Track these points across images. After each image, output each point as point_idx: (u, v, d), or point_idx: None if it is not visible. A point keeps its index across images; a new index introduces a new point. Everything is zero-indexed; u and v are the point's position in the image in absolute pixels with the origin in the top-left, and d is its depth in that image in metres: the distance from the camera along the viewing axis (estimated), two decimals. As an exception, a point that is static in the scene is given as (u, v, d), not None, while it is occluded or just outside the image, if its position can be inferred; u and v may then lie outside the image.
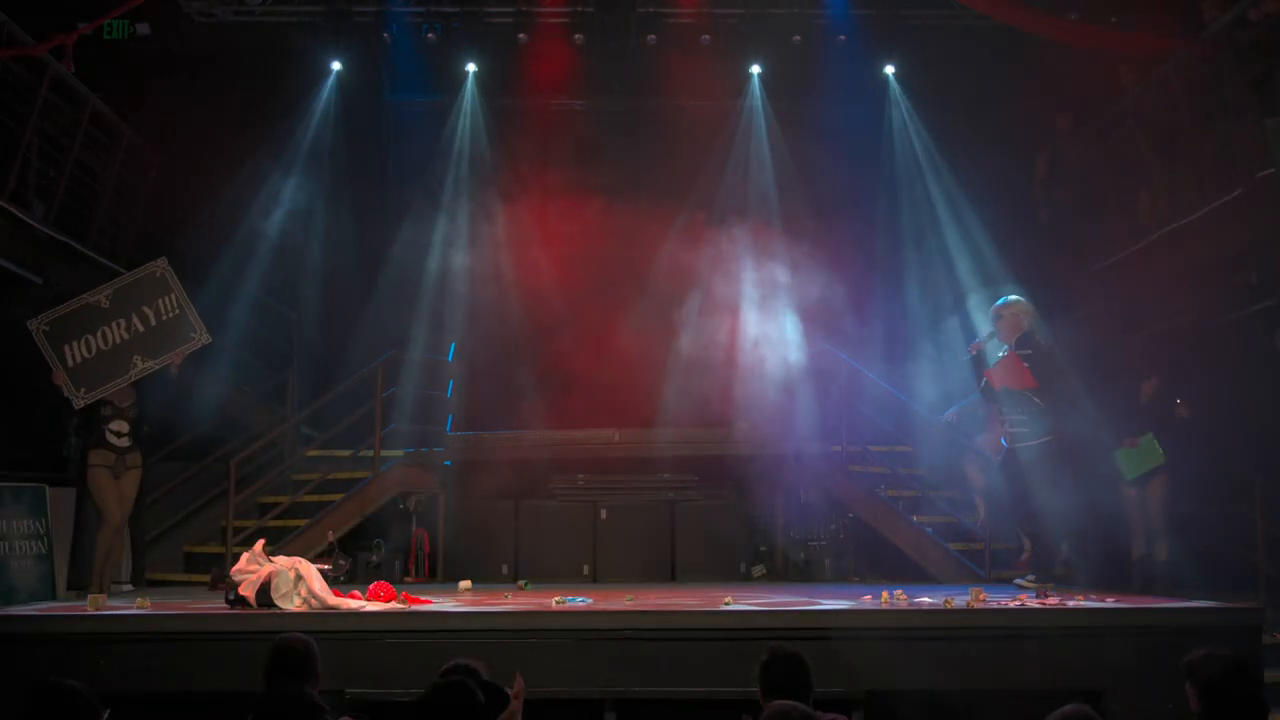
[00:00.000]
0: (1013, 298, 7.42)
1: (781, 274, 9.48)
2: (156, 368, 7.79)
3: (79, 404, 7.60)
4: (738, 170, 11.23)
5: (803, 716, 3.51)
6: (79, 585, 7.63)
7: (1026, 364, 7.12)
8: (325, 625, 5.32)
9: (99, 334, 7.71)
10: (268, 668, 3.96)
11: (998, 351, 7.33)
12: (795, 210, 10.68)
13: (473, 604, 6.38)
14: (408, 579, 8.59)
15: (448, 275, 10.88)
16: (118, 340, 7.74)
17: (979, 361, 7.41)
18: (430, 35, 10.77)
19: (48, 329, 7.66)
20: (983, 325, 9.62)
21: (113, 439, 7.76)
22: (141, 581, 8.07)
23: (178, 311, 7.89)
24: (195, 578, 8.76)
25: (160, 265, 7.96)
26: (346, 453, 9.52)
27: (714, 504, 8.96)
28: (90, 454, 7.75)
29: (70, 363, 7.62)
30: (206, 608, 5.76)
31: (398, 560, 8.67)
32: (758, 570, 8.90)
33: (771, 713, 3.54)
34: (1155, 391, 8.55)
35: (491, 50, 10.99)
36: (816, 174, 11.30)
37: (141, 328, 7.80)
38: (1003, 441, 7.45)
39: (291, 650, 4.00)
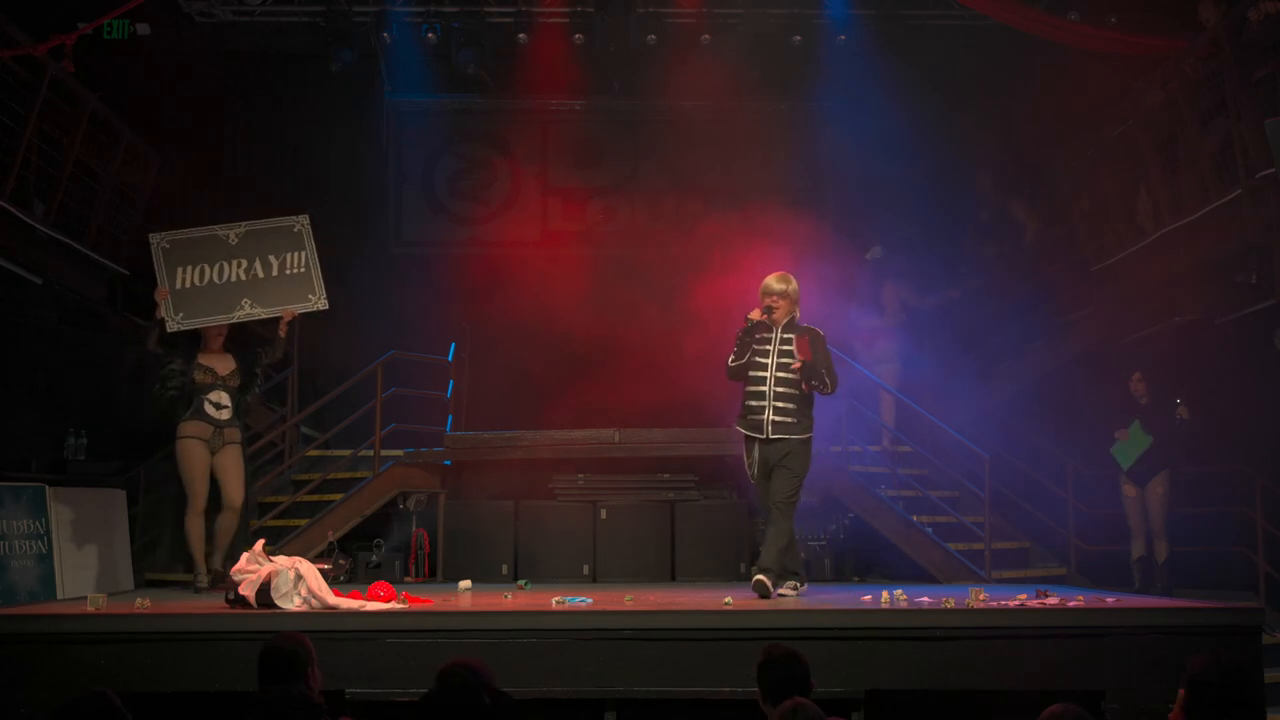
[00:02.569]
0: (787, 274, 6.77)
1: (780, 273, 9.48)
2: (263, 317, 7.45)
3: (173, 326, 7.28)
4: (737, 170, 11.23)
5: (815, 715, 3.53)
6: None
7: (811, 349, 6.59)
8: (325, 625, 5.32)
9: (216, 267, 7.41)
10: (258, 671, 3.96)
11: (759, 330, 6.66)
12: (795, 209, 10.69)
13: (473, 604, 6.38)
14: (408, 579, 8.59)
15: (447, 275, 10.89)
16: (233, 279, 7.42)
17: (751, 332, 6.64)
18: (430, 35, 10.77)
19: (167, 246, 7.41)
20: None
21: (211, 410, 7.26)
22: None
23: (303, 270, 7.53)
24: (195, 578, 8.76)
25: (300, 221, 7.64)
26: (346, 453, 9.52)
27: (714, 504, 8.95)
28: (182, 426, 7.23)
29: (179, 285, 7.34)
30: (206, 608, 5.76)
31: (398, 560, 8.67)
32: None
33: (784, 711, 3.56)
34: (1149, 390, 8.58)
35: (491, 50, 10.99)
36: (816, 174, 11.30)
37: (261, 274, 7.47)
38: (739, 427, 6.75)
39: (277, 652, 3.99)
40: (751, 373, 6.67)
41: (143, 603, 5.79)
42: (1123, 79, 9.63)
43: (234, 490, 7.31)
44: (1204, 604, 5.86)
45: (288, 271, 7.49)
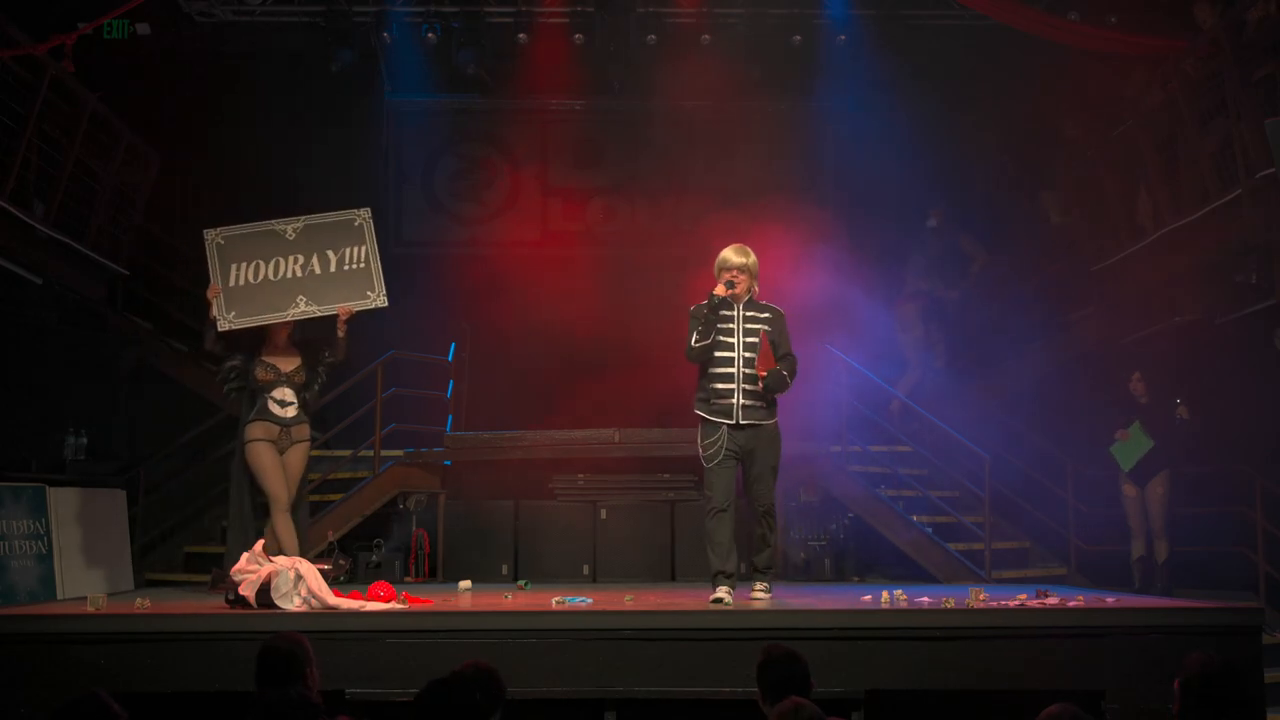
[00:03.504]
0: (745, 246, 6.35)
1: (780, 273, 9.48)
2: (319, 314, 6.98)
3: (224, 325, 6.92)
4: (737, 170, 11.22)
5: (814, 715, 3.53)
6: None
7: (768, 328, 6.21)
8: (325, 625, 5.32)
9: (272, 263, 7.02)
10: (256, 671, 3.96)
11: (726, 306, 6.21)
12: (795, 209, 10.68)
13: (473, 604, 6.39)
14: (408, 579, 8.59)
15: (447, 275, 10.88)
16: (289, 275, 7.02)
17: (716, 310, 6.16)
18: (430, 35, 10.77)
19: (221, 242, 7.01)
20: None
21: (275, 409, 6.93)
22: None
23: (363, 265, 7.09)
24: (195, 578, 8.76)
25: (362, 214, 7.18)
26: (346, 453, 9.52)
27: (714, 504, 8.95)
28: (249, 428, 6.93)
29: (232, 283, 6.97)
30: (206, 608, 5.76)
31: (398, 560, 8.67)
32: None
33: (784, 711, 3.56)
34: (1149, 390, 8.58)
35: (491, 50, 10.99)
36: (816, 173, 11.30)
37: (318, 270, 7.04)
38: (701, 411, 6.28)
39: (275, 652, 3.98)
40: (717, 353, 6.20)
41: (143, 603, 5.79)
42: (1123, 79, 9.64)
43: (292, 492, 6.99)
44: (1204, 604, 5.86)
45: (346, 267, 7.09)
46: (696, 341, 6.20)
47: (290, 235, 7.08)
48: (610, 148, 11.65)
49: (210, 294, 6.95)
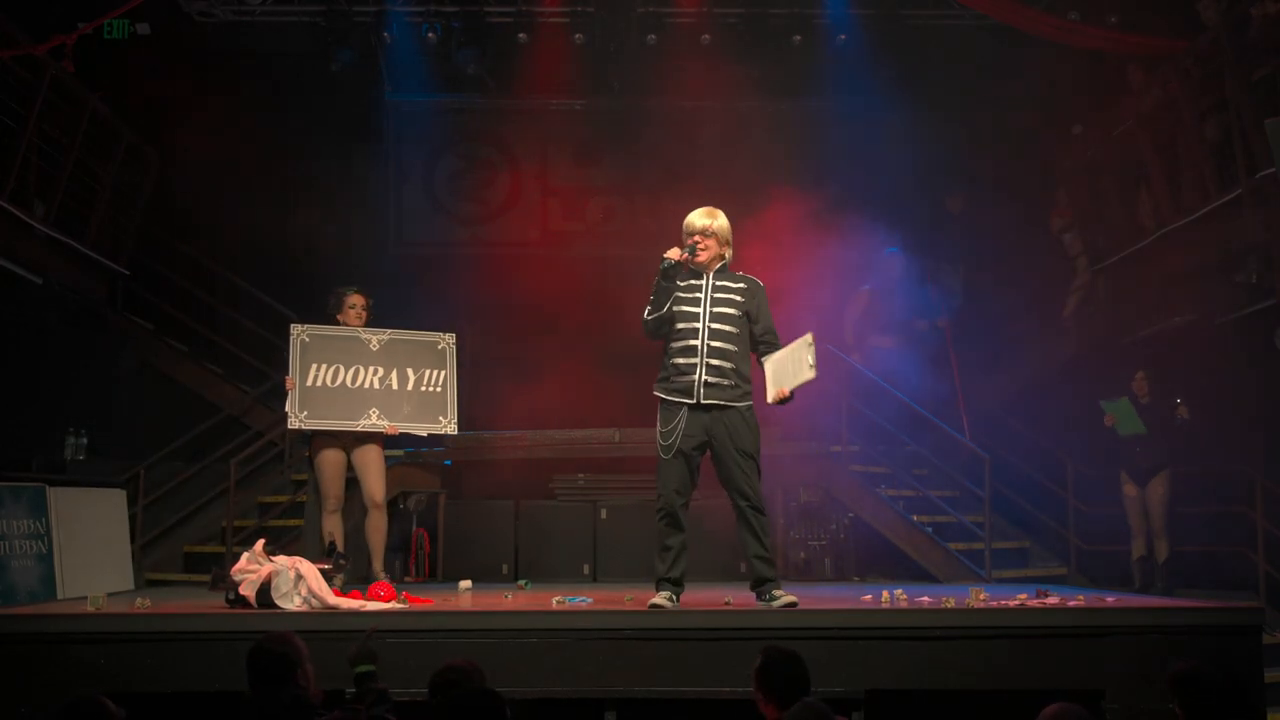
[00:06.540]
0: (714, 209, 5.83)
1: (779, 272, 9.48)
2: (384, 431, 6.97)
3: (293, 424, 6.97)
4: (737, 170, 11.22)
5: (823, 715, 3.52)
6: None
7: (740, 299, 5.69)
8: (325, 625, 5.32)
9: (352, 370, 7.02)
10: (247, 673, 3.95)
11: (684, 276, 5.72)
12: (795, 208, 10.68)
13: (473, 604, 6.39)
14: (408, 579, 8.59)
15: (447, 275, 10.89)
16: (366, 385, 7.01)
17: (670, 277, 5.64)
18: (430, 35, 10.77)
19: (306, 340, 7.02)
20: None
21: None
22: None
23: (439, 390, 7.14)
24: (195, 578, 8.76)
25: (446, 339, 7.24)
26: (347, 452, 9.51)
27: (714, 504, 8.94)
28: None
29: (309, 382, 6.92)
30: (206, 607, 5.76)
31: (398, 560, 8.67)
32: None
33: (796, 712, 3.55)
34: (1152, 389, 8.58)
35: (491, 50, 10.99)
36: (816, 173, 11.29)
37: (395, 386, 7.05)
38: (659, 391, 5.71)
39: (265, 653, 3.97)
40: (680, 325, 5.65)
41: (143, 603, 5.80)
42: (1122, 78, 9.64)
43: (374, 486, 6.96)
44: (1204, 604, 5.86)
45: (423, 388, 7.12)
46: (650, 314, 5.66)
47: (374, 346, 7.08)
48: (610, 148, 11.65)
49: (287, 384, 6.97)
